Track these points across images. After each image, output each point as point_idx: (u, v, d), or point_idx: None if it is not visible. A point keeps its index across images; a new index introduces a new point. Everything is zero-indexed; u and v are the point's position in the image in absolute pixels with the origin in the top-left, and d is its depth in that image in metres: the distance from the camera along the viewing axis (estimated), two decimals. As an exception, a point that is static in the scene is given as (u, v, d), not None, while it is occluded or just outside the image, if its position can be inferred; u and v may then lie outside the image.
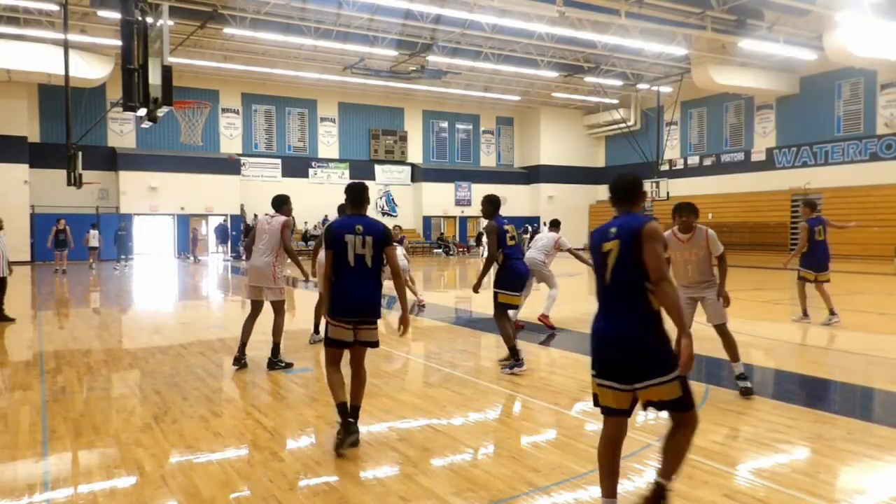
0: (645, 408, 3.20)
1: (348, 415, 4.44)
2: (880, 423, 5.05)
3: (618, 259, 3.14)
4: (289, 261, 7.06)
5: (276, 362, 6.99)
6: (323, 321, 8.22)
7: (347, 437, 4.35)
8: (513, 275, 6.86)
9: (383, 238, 4.53)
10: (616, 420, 3.23)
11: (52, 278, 19.94)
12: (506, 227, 6.85)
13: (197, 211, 30.70)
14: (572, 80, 30.94)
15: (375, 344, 4.60)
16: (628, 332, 3.12)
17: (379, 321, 4.61)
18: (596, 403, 3.29)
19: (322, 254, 8.36)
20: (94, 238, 23.49)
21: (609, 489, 3.22)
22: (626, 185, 3.33)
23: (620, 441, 3.26)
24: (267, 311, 7.04)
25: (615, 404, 3.19)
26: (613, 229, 3.20)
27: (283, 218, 6.90)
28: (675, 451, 3.22)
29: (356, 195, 4.64)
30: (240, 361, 6.95)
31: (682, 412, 3.18)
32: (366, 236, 4.46)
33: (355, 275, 4.44)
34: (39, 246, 26.78)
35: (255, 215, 32.01)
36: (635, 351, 3.10)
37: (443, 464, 4.25)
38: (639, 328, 3.11)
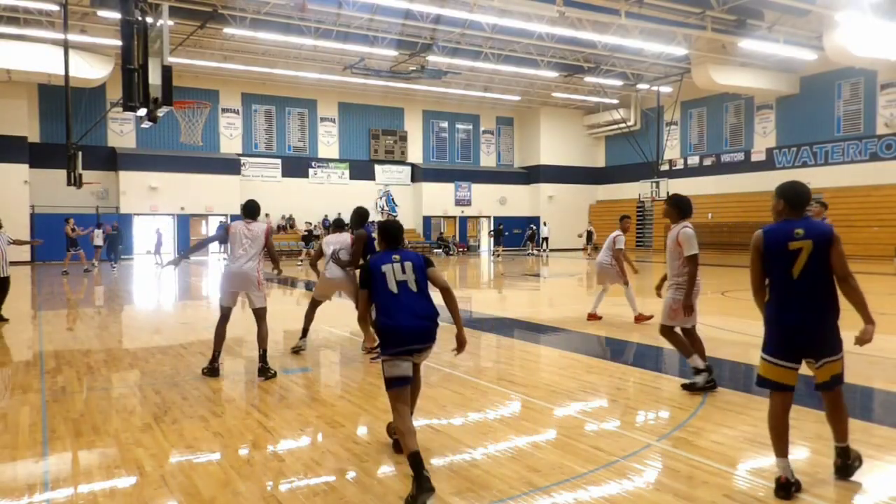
0: (817, 387, 3.81)
1: (423, 468, 3.65)
2: (880, 423, 5.05)
3: (810, 257, 3.64)
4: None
5: (267, 369, 6.71)
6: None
7: (421, 494, 3.55)
8: None
9: (423, 262, 4.23)
10: (785, 395, 3.76)
11: (52, 278, 19.93)
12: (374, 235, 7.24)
13: (197, 211, 30.72)
14: (572, 80, 30.95)
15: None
16: (817, 318, 3.68)
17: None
18: (761, 383, 3.83)
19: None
20: (98, 237, 23.58)
21: (781, 450, 3.71)
22: (806, 194, 3.81)
23: (788, 411, 3.78)
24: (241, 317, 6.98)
25: (788, 381, 3.75)
26: (800, 231, 3.68)
27: (264, 224, 6.98)
28: (841, 416, 3.83)
29: (395, 233, 4.37)
30: (215, 371, 6.73)
31: (839, 385, 3.80)
32: (404, 262, 4.15)
33: (401, 302, 4.03)
34: (39, 246, 26.77)
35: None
36: (821, 334, 3.70)
37: (443, 464, 4.25)
38: (827, 317, 3.69)
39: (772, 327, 3.79)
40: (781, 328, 3.74)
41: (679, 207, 6.01)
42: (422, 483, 3.55)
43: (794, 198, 3.78)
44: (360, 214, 7.88)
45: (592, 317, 10.33)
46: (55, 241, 26.10)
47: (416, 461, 3.64)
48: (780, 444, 3.73)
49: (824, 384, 3.78)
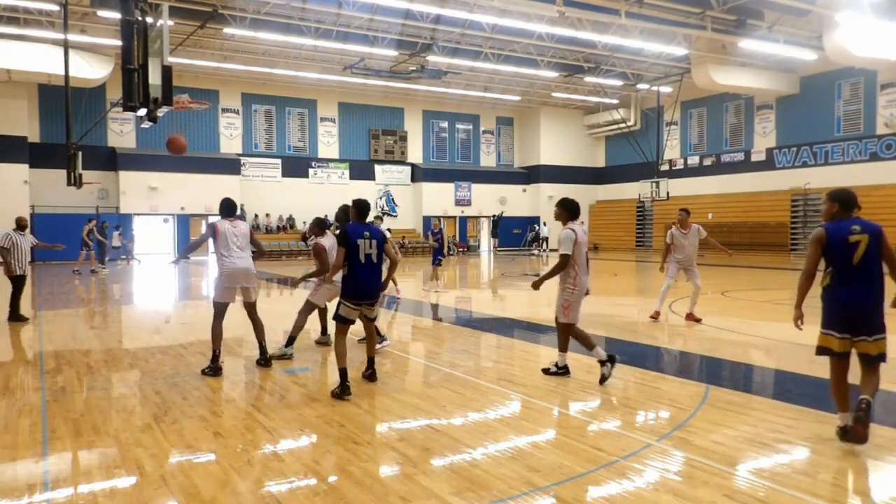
0: (862, 359, 4.49)
1: (346, 378, 5.87)
2: (880, 423, 5.05)
3: (867, 248, 4.43)
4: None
5: (269, 359, 7.23)
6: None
7: (342, 394, 5.80)
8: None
9: (382, 239, 6.14)
10: (842, 361, 4.50)
11: (52, 278, 19.90)
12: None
13: (197, 211, 30.69)
14: (572, 80, 30.93)
15: (375, 318, 6.30)
16: (872, 299, 4.44)
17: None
18: (821, 353, 4.57)
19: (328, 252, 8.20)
20: (116, 238, 23.61)
21: (843, 407, 4.49)
22: (855, 198, 4.65)
23: (846, 374, 4.52)
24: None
25: (843, 349, 4.47)
26: (857, 227, 4.49)
27: (246, 224, 7.34)
28: (874, 385, 4.49)
29: (364, 209, 6.18)
30: (218, 370, 6.81)
31: (882, 362, 4.50)
32: (371, 239, 5.97)
33: (365, 269, 5.97)
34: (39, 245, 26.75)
35: (256, 216, 32.05)
36: (873, 312, 4.43)
37: (443, 464, 4.25)
38: (878, 296, 4.46)
39: (831, 304, 4.53)
40: (840, 303, 4.48)
41: (567, 210, 6.50)
42: (344, 387, 5.81)
43: (846, 201, 4.64)
44: (346, 211, 7.49)
45: (691, 317, 10.12)
46: (56, 241, 25.98)
47: (343, 373, 5.85)
48: (843, 403, 4.49)
49: (875, 357, 4.46)
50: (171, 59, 7.92)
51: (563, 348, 6.55)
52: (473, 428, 5.02)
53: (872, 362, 4.48)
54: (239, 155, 32.14)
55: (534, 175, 39.15)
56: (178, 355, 7.92)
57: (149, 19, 8.14)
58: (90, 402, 5.78)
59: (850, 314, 4.45)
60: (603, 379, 6.22)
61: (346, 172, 34.74)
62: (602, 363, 6.25)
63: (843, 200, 4.66)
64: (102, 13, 19.51)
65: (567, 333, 6.45)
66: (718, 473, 4.00)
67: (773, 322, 10.86)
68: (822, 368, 7.30)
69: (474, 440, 4.70)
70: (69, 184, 17.96)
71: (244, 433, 4.88)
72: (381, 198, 35.84)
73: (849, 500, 3.64)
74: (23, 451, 4.51)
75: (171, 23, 12.77)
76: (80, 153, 18.02)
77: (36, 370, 7.15)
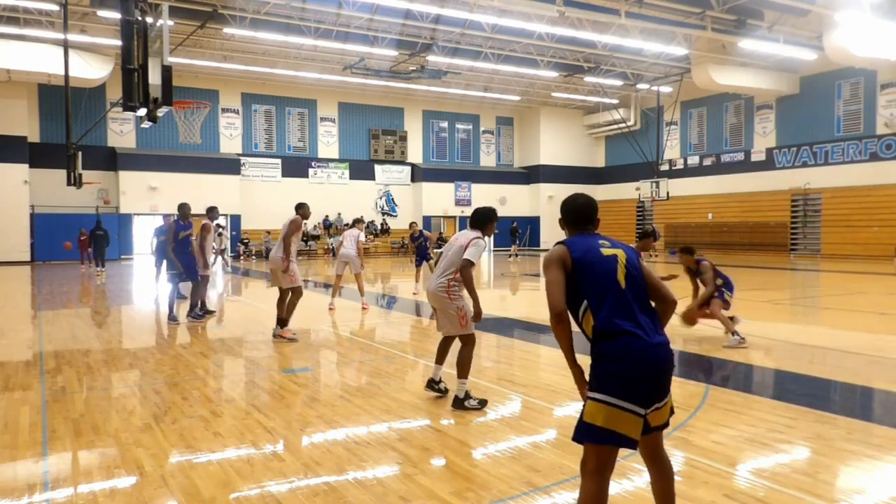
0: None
1: None
2: (880, 423, 5.05)
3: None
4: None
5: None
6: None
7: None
8: None
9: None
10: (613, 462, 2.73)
11: (52, 278, 19.89)
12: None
13: (197, 211, 30.49)
14: (572, 80, 30.94)
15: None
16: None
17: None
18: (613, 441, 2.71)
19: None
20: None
21: None
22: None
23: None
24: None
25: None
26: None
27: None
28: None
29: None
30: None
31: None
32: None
33: None
34: (39, 246, 26.82)
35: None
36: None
37: (443, 464, 4.25)
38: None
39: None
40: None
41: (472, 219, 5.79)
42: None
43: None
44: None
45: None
46: (55, 241, 26.07)
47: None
48: None
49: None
50: (171, 59, 7.91)
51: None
52: (473, 428, 5.02)
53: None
54: (239, 155, 32.14)
55: (534, 175, 39.15)
56: (178, 355, 7.92)
57: (149, 19, 8.14)
58: (90, 402, 5.78)
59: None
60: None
61: (346, 172, 34.72)
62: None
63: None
64: (102, 13, 19.50)
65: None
66: (718, 473, 3.99)
67: (773, 322, 10.86)
68: (821, 368, 7.31)
69: (474, 440, 4.70)
70: (69, 184, 17.96)
71: (244, 433, 4.88)
72: (380, 198, 35.83)
73: (849, 500, 3.64)
74: (23, 451, 4.51)
75: (171, 23, 12.77)
76: (80, 153, 18.02)
77: (36, 370, 7.15)
